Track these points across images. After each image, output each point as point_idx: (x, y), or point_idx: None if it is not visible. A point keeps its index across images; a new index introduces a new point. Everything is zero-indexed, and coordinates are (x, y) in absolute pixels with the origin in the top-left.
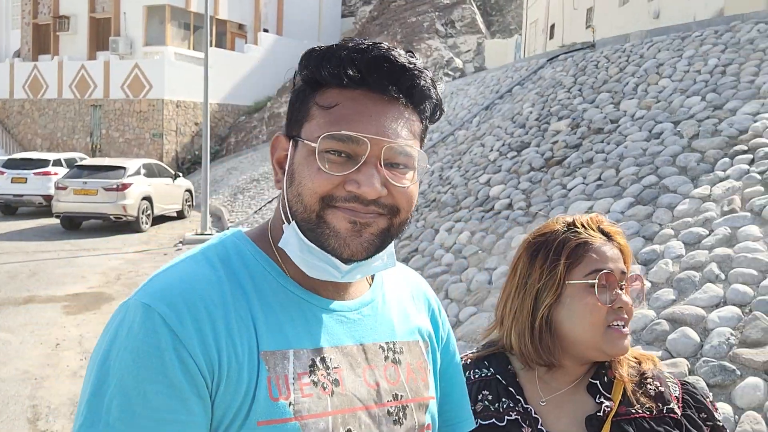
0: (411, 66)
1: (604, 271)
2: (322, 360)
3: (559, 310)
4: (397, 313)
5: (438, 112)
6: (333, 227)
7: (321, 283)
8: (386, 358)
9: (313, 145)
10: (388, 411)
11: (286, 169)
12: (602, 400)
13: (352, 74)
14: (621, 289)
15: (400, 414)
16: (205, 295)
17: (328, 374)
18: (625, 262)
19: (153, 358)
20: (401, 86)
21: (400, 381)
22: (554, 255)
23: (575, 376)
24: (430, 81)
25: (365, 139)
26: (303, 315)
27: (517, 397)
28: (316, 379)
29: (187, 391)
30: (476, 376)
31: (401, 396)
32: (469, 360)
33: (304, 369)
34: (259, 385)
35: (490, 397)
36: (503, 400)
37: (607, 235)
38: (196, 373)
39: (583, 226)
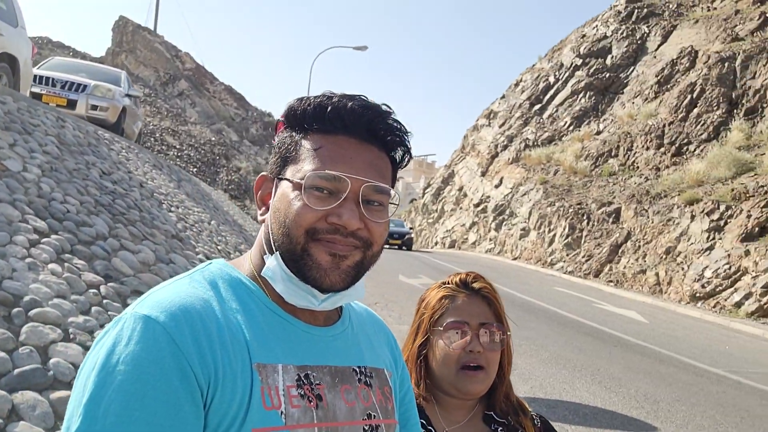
0: (386, 116)
1: (458, 321)
2: (306, 376)
3: (430, 352)
4: (364, 341)
5: (407, 158)
6: (315, 259)
7: (299, 309)
8: (359, 380)
9: (300, 182)
10: (363, 429)
11: (271, 205)
12: (497, 427)
13: (336, 121)
14: (478, 336)
15: None
16: (200, 310)
17: (312, 390)
18: (495, 314)
19: (153, 366)
20: (377, 133)
21: (372, 402)
22: (424, 308)
23: (469, 409)
24: (402, 130)
25: (346, 178)
26: (287, 335)
27: (429, 427)
28: (302, 393)
29: (184, 399)
30: None
31: (374, 416)
32: None
33: (291, 382)
34: (253, 394)
35: None
36: None
37: (474, 290)
38: (193, 382)
39: (455, 283)
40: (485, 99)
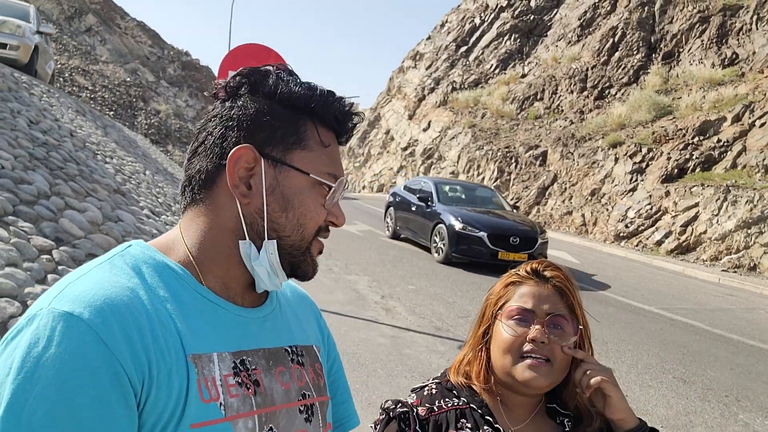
0: (356, 116)
1: (522, 308)
2: (242, 362)
3: (492, 341)
4: (293, 320)
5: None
6: (311, 256)
7: (231, 293)
8: (292, 360)
9: (322, 180)
10: (299, 409)
11: (268, 189)
12: (563, 419)
13: (335, 122)
14: (543, 326)
15: (309, 412)
16: (128, 302)
17: (249, 375)
18: (568, 306)
19: (80, 370)
20: (346, 133)
21: (306, 381)
22: (489, 295)
23: (533, 406)
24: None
25: (345, 181)
26: (220, 320)
27: (496, 425)
28: (240, 380)
29: (115, 402)
30: (449, 405)
31: (308, 395)
32: (434, 390)
33: (228, 371)
34: (190, 388)
35: (469, 425)
36: (485, 428)
37: (545, 278)
38: (126, 382)
39: (525, 271)
40: (411, 40)
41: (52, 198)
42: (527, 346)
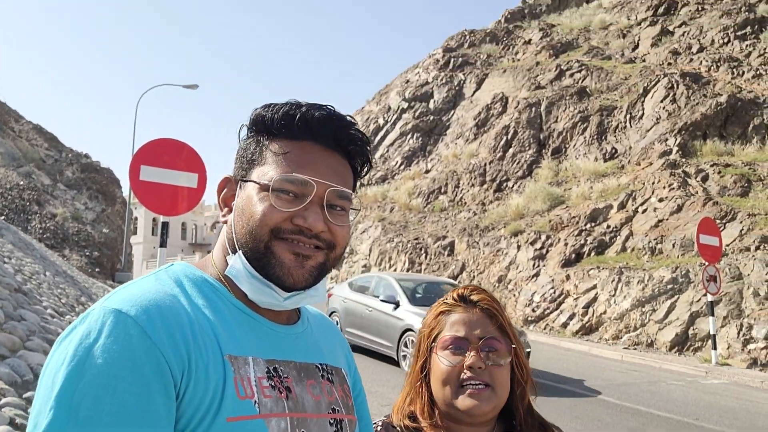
0: (351, 126)
1: (455, 336)
2: (275, 369)
3: (430, 374)
4: (323, 341)
5: (367, 167)
6: (278, 257)
7: (263, 308)
8: (322, 376)
9: (268, 183)
10: (329, 422)
11: (235, 206)
12: None
13: (304, 129)
14: (478, 351)
15: (339, 426)
16: (169, 304)
17: (281, 382)
18: (499, 328)
19: (124, 359)
20: (341, 142)
21: (336, 397)
22: (422, 327)
23: None
24: (364, 140)
25: (312, 182)
26: (254, 330)
27: None
28: (273, 384)
29: (156, 391)
30: None
31: (338, 410)
32: (379, 427)
33: (262, 374)
34: (227, 384)
35: None
36: None
37: (472, 303)
38: (167, 372)
39: (452, 298)
40: None
41: None
42: (465, 374)
